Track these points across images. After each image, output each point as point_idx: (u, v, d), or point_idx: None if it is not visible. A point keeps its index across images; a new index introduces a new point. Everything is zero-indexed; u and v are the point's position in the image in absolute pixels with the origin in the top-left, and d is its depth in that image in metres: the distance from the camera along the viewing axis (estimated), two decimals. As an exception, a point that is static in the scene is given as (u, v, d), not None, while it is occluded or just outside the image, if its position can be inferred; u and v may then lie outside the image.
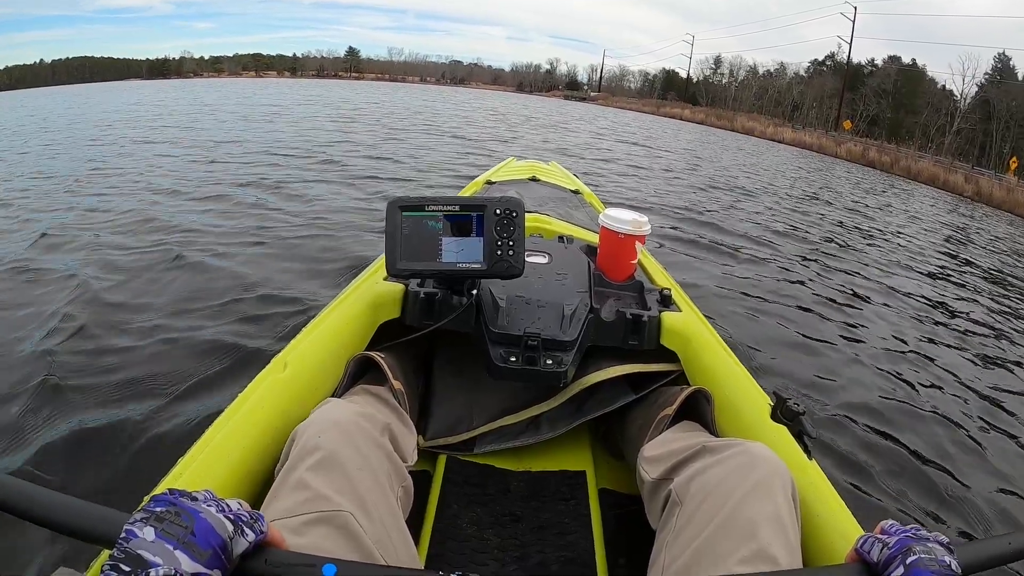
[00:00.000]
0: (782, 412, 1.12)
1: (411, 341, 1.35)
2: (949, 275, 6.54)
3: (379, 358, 1.21)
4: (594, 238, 1.87)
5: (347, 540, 0.77)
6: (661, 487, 1.03)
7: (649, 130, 25.85)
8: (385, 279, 1.42)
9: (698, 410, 1.24)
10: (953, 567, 0.61)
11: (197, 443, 0.96)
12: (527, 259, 1.31)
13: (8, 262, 3.86)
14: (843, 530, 0.92)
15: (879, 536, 0.68)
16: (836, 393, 2.99)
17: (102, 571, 0.51)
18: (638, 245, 1.54)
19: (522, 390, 1.43)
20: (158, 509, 0.57)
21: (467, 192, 2.84)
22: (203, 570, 0.55)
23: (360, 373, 1.26)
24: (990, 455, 2.66)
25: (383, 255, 1.34)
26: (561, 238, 1.89)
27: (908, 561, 0.62)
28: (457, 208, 1.26)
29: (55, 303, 3.15)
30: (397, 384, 1.19)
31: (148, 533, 0.55)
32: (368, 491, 0.85)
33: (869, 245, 7.20)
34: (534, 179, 2.90)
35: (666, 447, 1.09)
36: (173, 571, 0.53)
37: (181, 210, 5.33)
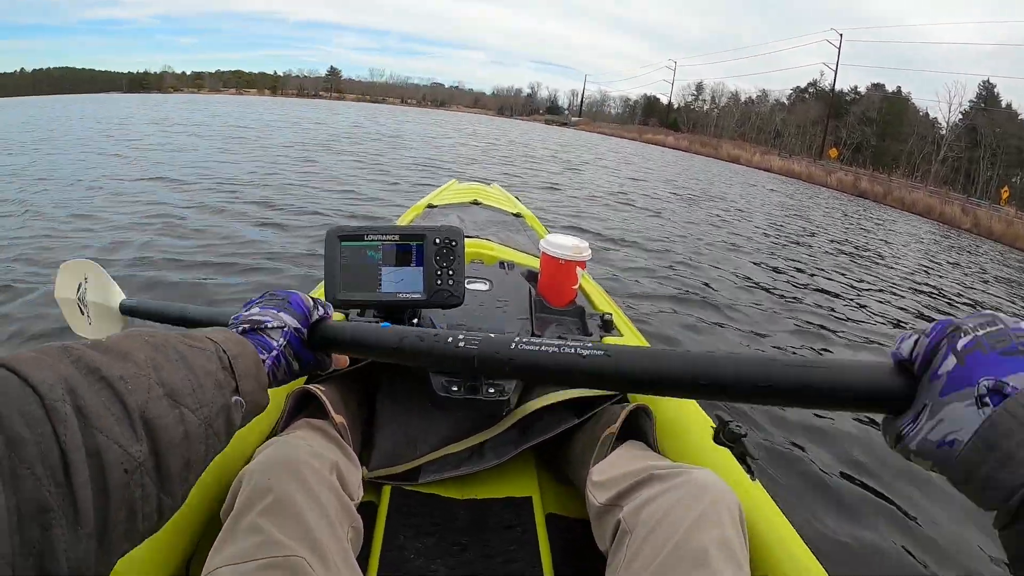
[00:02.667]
0: (724, 435, 1.09)
1: (352, 373, 1.32)
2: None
3: (319, 391, 1.19)
4: (535, 263, 1.87)
5: None
6: (610, 513, 1.03)
7: (643, 160, 25.53)
8: None
9: (642, 430, 1.24)
10: None
11: None
12: (468, 286, 1.31)
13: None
14: (789, 548, 0.94)
15: (916, 329, 0.51)
16: (778, 415, 3.01)
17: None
18: (579, 270, 1.54)
19: (465, 418, 1.41)
20: (256, 297, 0.84)
21: (408, 216, 2.83)
22: (298, 325, 0.80)
23: (300, 407, 1.24)
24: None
25: (320, 285, 1.34)
26: (502, 264, 1.88)
27: (960, 345, 0.44)
28: (397, 238, 1.26)
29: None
30: (339, 418, 1.17)
31: (255, 309, 0.80)
32: (320, 533, 0.84)
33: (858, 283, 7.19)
34: (476, 202, 2.90)
35: (613, 471, 1.09)
36: (281, 324, 0.78)
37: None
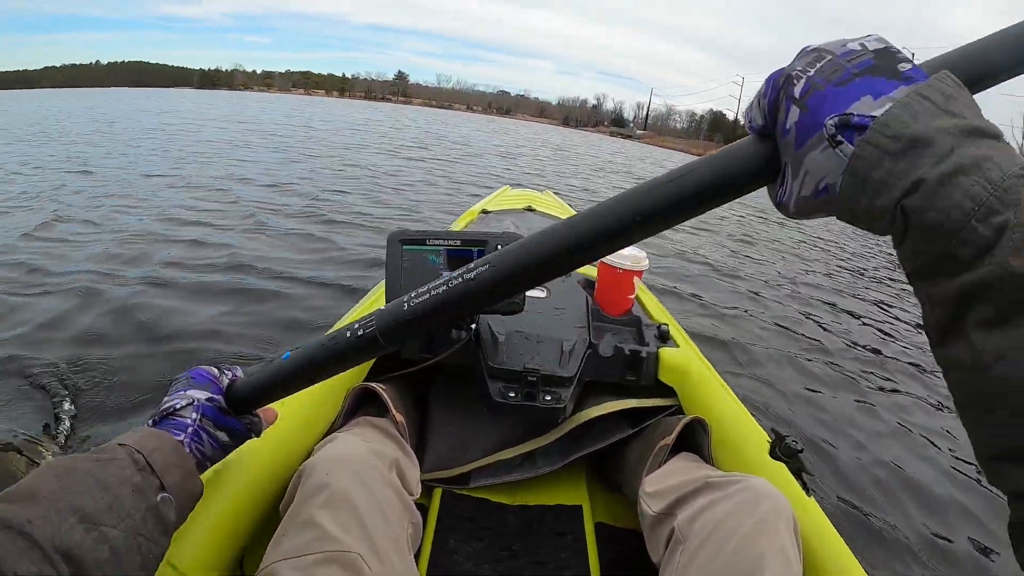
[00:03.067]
0: (781, 449, 1.11)
1: (409, 374, 1.33)
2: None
3: (380, 389, 1.21)
4: (591, 272, 1.87)
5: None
6: (664, 522, 1.02)
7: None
8: None
9: (696, 442, 1.23)
10: (873, 47, 0.42)
11: None
12: (526, 293, 1.30)
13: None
14: (843, 566, 0.93)
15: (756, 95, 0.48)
16: (834, 431, 2.94)
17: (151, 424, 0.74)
18: (636, 280, 1.53)
19: (518, 424, 1.42)
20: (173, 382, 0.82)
21: (462, 221, 2.84)
22: (207, 395, 0.78)
23: (358, 404, 1.26)
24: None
25: (378, 286, 1.33)
26: None
27: (797, 91, 0.42)
28: (458, 243, 1.25)
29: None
30: (399, 416, 1.18)
31: (167, 400, 0.77)
32: (377, 530, 0.84)
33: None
34: (530, 209, 2.90)
35: (668, 481, 1.09)
36: (189, 400, 0.76)
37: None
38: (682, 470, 1.12)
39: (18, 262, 3.91)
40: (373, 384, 1.24)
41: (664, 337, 1.47)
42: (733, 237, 8.69)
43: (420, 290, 0.66)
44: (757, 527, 0.85)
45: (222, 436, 0.77)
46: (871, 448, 2.82)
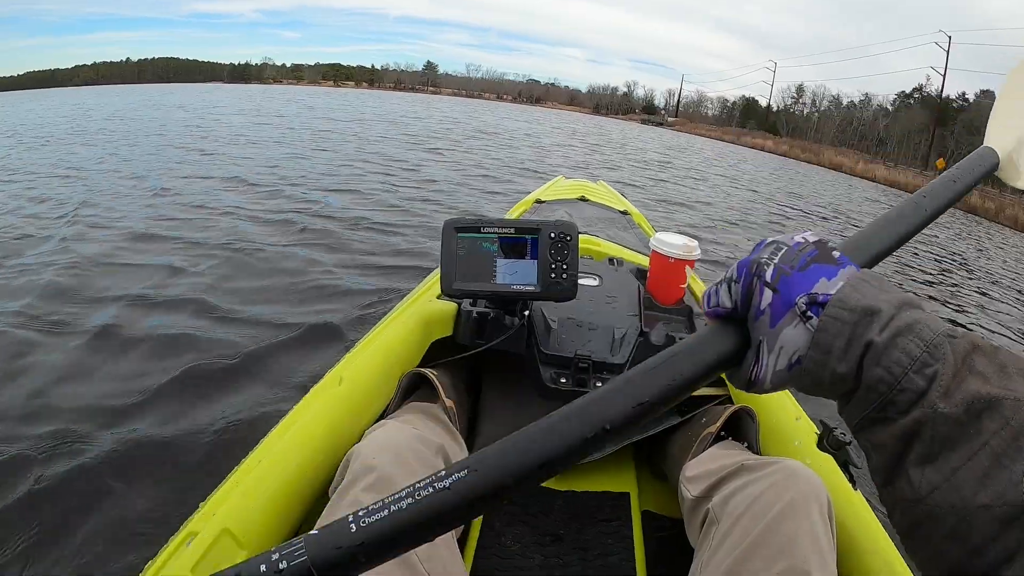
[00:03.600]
0: (828, 441, 1.09)
1: (461, 360, 1.36)
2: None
3: (432, 375, 1.23)
4: (643, 260, 1.88)
5: (399, 561, 0.75)
6: (701, 505, 1.04)
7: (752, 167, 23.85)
8: (438, 297, 1.45)
9: (743, 431, 1.24)
10: (810, 241, 0.49)
11: (253, 453, 0.99)
12: (578, 281, 1.31)
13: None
14: (885, 558, 0.92)
15: (717, 281, 0.52)
16: None
17: None
18: (688, 269, 1.54)
19: None
20: None
21: (517, 210, 2.85)
22: None
23: (411, 389, 1.28)
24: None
25: (435, 273, 1.36)
26: (611, 260, 1.89)
27: (769, 277, 0.47)
28: (512, 231, 1.28)
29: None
30: (449, 402, 1.19)
31: None
32: None
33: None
34: (583, 199, 2.91)
35: (707, 465, 1.10)
36: None
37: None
38: (722, 456, 1.13)
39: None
40: (425, 370, 1.26)
41: None
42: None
43: (372, 506, 0.50)
44: (789, 507, 0.86)
45: None
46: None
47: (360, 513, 0.49)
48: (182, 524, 0.83)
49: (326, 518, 0.84)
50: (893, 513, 0.42)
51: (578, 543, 1.25)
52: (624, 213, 2.87)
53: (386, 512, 0.49)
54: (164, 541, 0.79)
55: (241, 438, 2.08)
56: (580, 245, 1.81)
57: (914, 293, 5.74)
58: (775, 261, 0.47)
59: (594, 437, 0.48)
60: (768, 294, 0.47)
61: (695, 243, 1.53)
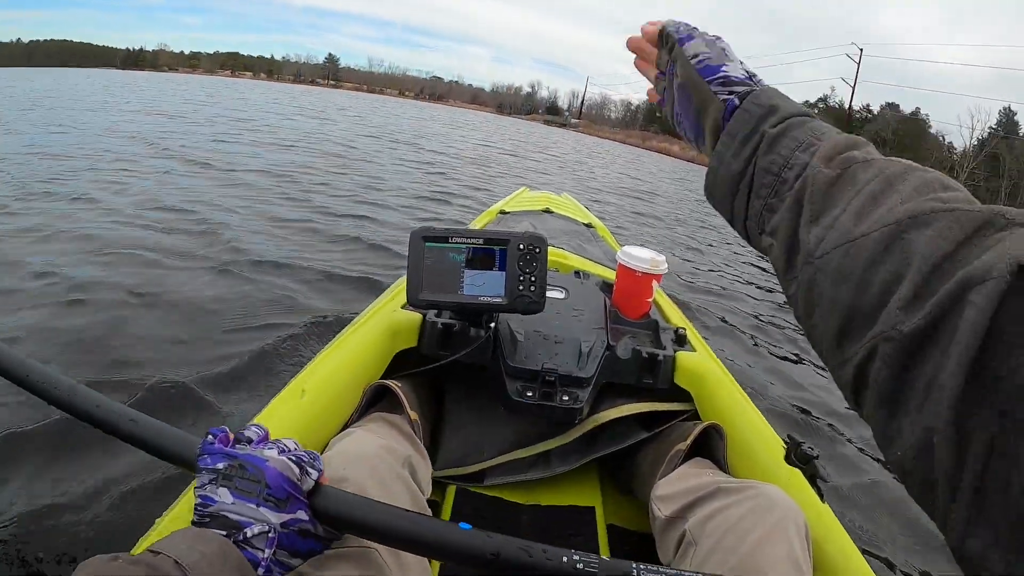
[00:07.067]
0: (796, 455, 1.12)
1: (426, 372, 1.35)
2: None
3: (396, 387, 1.22)
4: (609, 274, 1.88)
5: (368, 564, 0.78)
6: (674, 525, 1.04)
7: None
8: (403, 307, 1.43)
9: (710, 448, 1.25)
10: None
11: None
12: (546, 294, 1.31)
13: None
14: (855, 566, 0.96)
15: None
16: (849, 437, 2.99)
17: (194, 523, 0.58)
18: (654, 284, 1.54)
19: (534, 424, 1.42)
20: (220, 466, 0.60)
21: (480, 221, 2.85)
22: (288, 517, 0.61)
23: (375, 400, 1.26)
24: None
25: (399, 282, 1.35)
26: (577, 273, 1.89)
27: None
28: (481, 241, 1.27)
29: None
30: (413, 415, 1.19)
31: (225, 495, 0.59)
32: None
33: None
34: (548, 211, 2.92)
35: (680, 485, 1.10)
36: (267, 528, 0.59)
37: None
38: (694, 475, 1.14)
39: None
40: (389, 381, 1.24)
41: (681, 341, 1.49)
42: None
43: (653, 567, 0.61)
44: (768, 534, 0.87)
45: (295, 563, 0.64)
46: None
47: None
48: (134, 546, 0.81)
49: None
50: (794, 292, 0.45)
51: None
52: (588, 226, 2.89)
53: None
54: None
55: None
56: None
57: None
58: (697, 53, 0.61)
59: None
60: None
61: (662, 257, 1.53)
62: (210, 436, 0.64)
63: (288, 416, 1.09)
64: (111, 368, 2.43)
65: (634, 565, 0.63)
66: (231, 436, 0.65)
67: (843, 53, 45.34)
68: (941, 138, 42.93)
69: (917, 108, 45.90)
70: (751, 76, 0.58)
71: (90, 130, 10.38)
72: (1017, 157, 35.08)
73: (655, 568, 0.63)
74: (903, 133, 43.60)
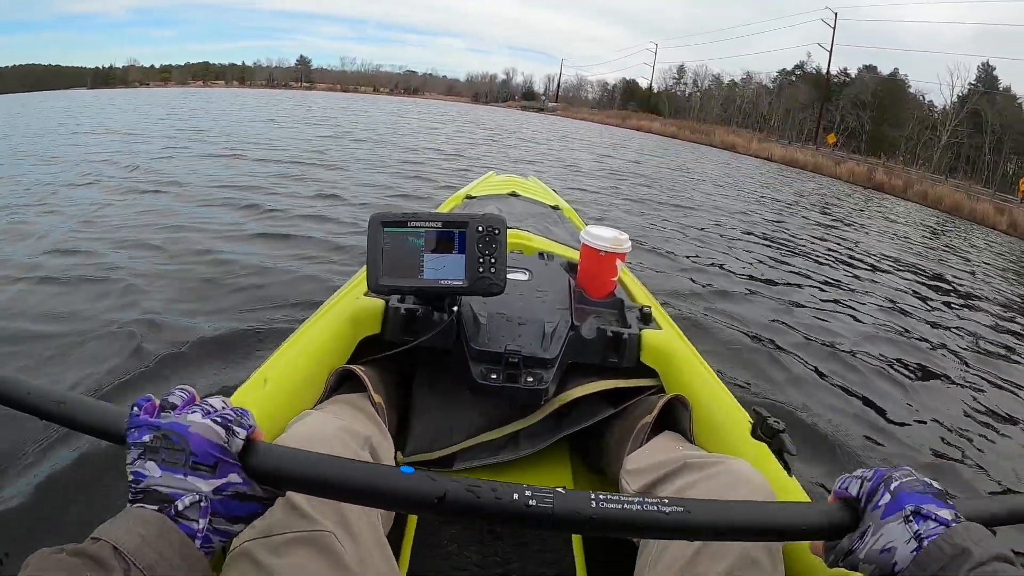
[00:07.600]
0: (762, 429, 1.14)
1: (391, 357, 1.35)
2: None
3: (360, 371, 1.22)
4: (574, 255, 1.88)
5: (329, 561, 0.77)
6: None
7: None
8: (365, 294, 1.42)
9: (676, 420, 1.26)
10: (935, 486, 0.64)
11: None
12: (508, 276, 1.31)
13: None
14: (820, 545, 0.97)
15: (855, 475, 0.69)
16: (814, 408, 3.00)
17: (132, 505, 0.56)
18: (619, 263, 1.53)
19: (501, 406, 1.43)
20: (146, 439, 0.59)
21: (446, 206, 2.86)
22: (220, 482, 0.59)
23: (339, 386, 1.27)
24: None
25: (362, 269, 1.38)
26: (541, 255, 1.90)
27: (892, 487, 0.63)
28: (439, 225, 1.27)
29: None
30: (377, 397, 1.19)
31: (153, 469, 0.57)
32: (350, 509, 0.84)
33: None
34: (514, 194, 2.92)
35: (648, 459, 1.11)
36: (198, 497, 0.57)
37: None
38: (662, 449, 1.14)
39: None
40: (354, 367, 1.25)
41: (646, 319, 1.49)
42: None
43: (611, 496, 0.65)
44: None
45: (237, 528, 0.62)
46: (852, 428, 2.92)
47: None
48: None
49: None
50: None
51: (516, 539, 1.25)
52: (555, 208, 2.91)
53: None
54: None
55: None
56: (510, 240, 1.81)
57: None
58: (902, 480, 0.64)
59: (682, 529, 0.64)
60: (887, 496, 0.63)
61: (625, 236, 1.53)
62: (135, 408, 0.61)
63: (250, 407, 1.06)
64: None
65: (592, 495, 0.63)
66: (157, 404, 0.63)
67: (818, 19, 44.66)
68: (921, 97, 42.59)
69: (895, 69, 45.14)
70: None
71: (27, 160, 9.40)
72: (999, 112, 35.01)
73: (616, 496, 0.63)
74: (883, 94, 43.15)
